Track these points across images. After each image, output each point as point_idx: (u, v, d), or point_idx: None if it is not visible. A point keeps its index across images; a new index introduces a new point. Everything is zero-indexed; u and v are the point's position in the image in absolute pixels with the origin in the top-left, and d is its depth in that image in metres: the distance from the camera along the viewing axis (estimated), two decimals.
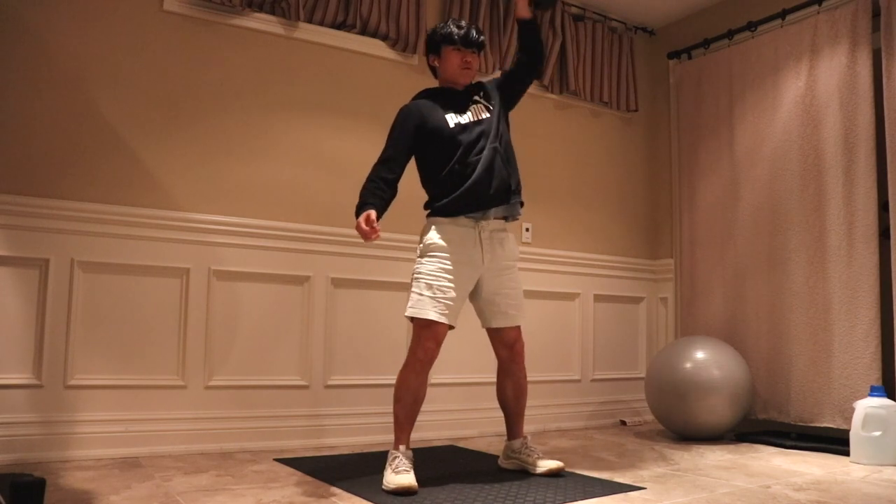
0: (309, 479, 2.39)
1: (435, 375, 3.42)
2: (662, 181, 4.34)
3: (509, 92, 2.63)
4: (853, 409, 2.91)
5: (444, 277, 2.38)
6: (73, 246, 2.72)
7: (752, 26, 3.76)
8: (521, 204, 2.56)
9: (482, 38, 2.56)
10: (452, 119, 2.48)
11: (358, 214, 2.34)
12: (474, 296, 2.53)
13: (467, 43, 2.52)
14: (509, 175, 2.50)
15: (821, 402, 3.31)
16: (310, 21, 3.27)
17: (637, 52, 4.38)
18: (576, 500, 2.12)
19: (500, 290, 2.51)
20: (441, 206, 2.44)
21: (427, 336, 2.37)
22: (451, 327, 2.41)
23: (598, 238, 4.15)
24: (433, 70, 2.63)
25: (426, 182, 2.54)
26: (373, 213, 2.30)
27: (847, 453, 2.91)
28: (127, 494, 2.10)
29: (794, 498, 2.19)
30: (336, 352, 3.22)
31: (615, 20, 4.28)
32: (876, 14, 3.28)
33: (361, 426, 3.20)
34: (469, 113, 2.51)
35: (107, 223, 2.79)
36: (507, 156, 2.51)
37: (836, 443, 3.11)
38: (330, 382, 3.19)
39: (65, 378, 2.68)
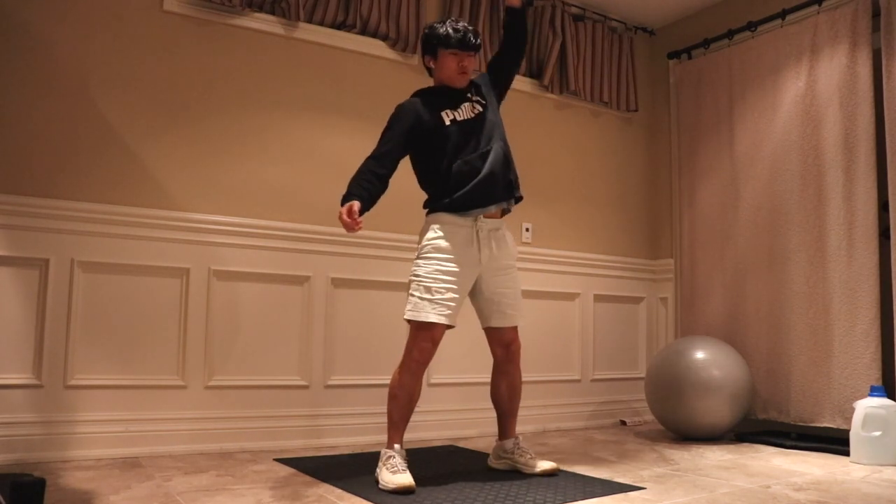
0: (309, 479, 2.39)
1: (434, 375, 3.42)
2: (662, 181, 4.34)
3: (500, 83, 2.65)
4: (853, 409, 2.91)
5: (442, 279, 2.38)
6: (73, 246, 2.72)
7: (752, 26, 3.76)
8: (520, 198, 2.58)
9: (479, 41, 2.54)
10: (448, 116, 2.47)
11: (343, 204, 2.33)
12: (474, 295, 2.53)
13: (464, 47, 2.49)
14: (510, 171, 2.52)
15: (821, 402, 3.31)
16: (310, 21, 3.27)
17: (637, 52, 4.38)
18: (576, 500, 2.12)
19: (499, 289, 2.51)
20: (447, 203, 2.43)
21: (424, 337, 2.37)
22: (450, 327, 2.41)
23: (598, 238, 4.15)
24: (428, 70, 2.62)
25: (424, 180, 2.54)
26: (356, 205, 2.29)
27: (847, 453, 2.91)
28: (127, 494, 2.10)
29: (794, 498, 2.19)
30: (336, 352, 3.22)
31: (615, 20, 4.28)
32: (876, 14, 3.28)
33: (361, 426, 3.20)
34: (464, 109, 2.51)
35: (107, 223, 2.79)
36: (506, 152, 2.52)
37: (836, 443, 3.11)
38: (330, 382, 3.19)
39: (65, 378, 2.68)
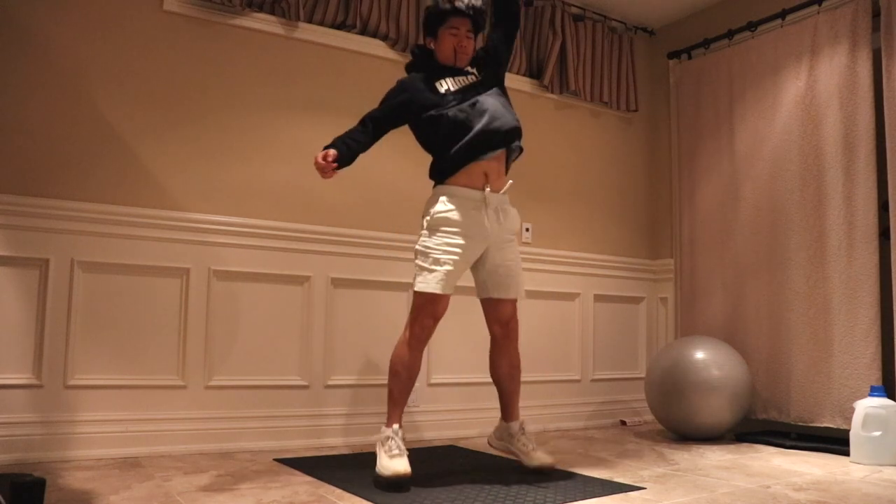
0: (309, 478, 2.39)
1: (434, 375, 3.42)
2: (662, 181, 4.34)
3: (496, 62, 2.65)
4: (853, 409, 2.91)
5: (451, 251, 2.39)
6: (73, 246, 2.72)
7: (752, 26, 3.76)
8: (521, 149, 2.58)
9: (476, 10, 2.54)
10: (443, 85, 2.51)
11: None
12: (477, 267, 2.53)
13: (458, 13, 2.51)
14: (508, 112, 2.53)
15: (821, 402, 3.31)
16: (310, 21, 3.27)
17: (637, 52, 4.38)
18: (576, 500, 2.12)
19: (503, 262, 2.51)
20: (453, 153, 2.43)
21: (427, 313, 2.39)
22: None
23: (598, 238, 4.15)
24: (429, 52, 2.63)
25: (431, 149, 2.55)
26: (332, 151, 2.34)
27: (847, 453, 2.91)
28: (127, 494, 2.10)
29: (794, 498, 2.19)
30: (336, 352, 3.22)
31: (615, 20, 4.28)
32: (876, 14, 3.28)
33: (361, 426, 3.20)
34: (460, 80, 2.54)
35: (107, 223, 2.79)
36: (505, 100, 2.56)
37: (836, 443, 3.11)
38: (330, 382, 3.19)
39: (65, 378, 2.68)
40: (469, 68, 2.60)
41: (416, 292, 2.41)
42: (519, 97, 3.84)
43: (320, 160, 2.32)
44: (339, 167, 2.36)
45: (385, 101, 2.56)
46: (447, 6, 2.53)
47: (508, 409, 2.59)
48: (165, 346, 2.88)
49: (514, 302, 2.56)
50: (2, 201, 2.61)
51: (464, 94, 2.49)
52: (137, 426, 2.77)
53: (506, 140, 2.49)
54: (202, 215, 2.98)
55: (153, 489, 2.18)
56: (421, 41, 2.82)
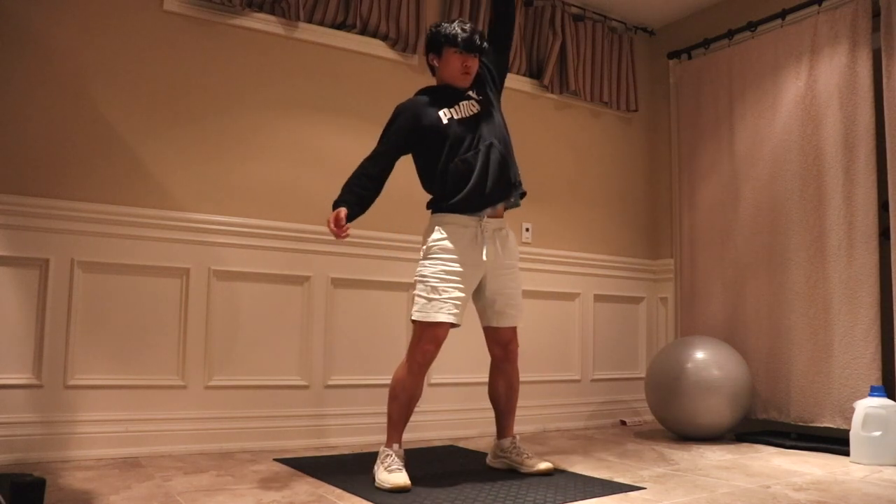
0: (309, 478, 2.39)
1: (434, 375, 3.42)
2: (662, 181, 4.34)
3: (497, 69, 2.64)
4: (853, 409, 2.91)
5: (448, 279, 2.38)
6: (73, 246, 2.72)
7: (752, 26, 3.76)
8: (523, 194, 2.58)
9: (485, 44, 2.54)
10: (445, 115, 2.47)
11: (334, 207, 2.36)
12: (477, 295, 2.54)
13: (470, 48, 2.48)
14: (509, 168, 2.50)
15: (821, 402, 3.31)
16: (310, 21, 3.27)
17: (637, 52, 4.38)
18: (576, 500, 2.12)
19: (503, 290, 2.51)
20: (447, 206, 2.43)
21: (428, 338, 2.37)
22: (455, 325, 2.41)
23: (598, 238, 4.15)
24: (431, 68, 2.61)
25: (426, 181, 2.54)
26: (343, 212, 2.33)
27: (847, 453, 2.91)
28: (127, 494, 2.10)
29: (794, 498, 2.18)
30: (336, 352, 3.22)
31: (615, 20, 4.28)
32: (876, 14, 3.28)
33: (361, 426, 3.20)
34: (462, 107, 2.50)
35: (107, 223, 2.79)
36: (505, 149, 2.51)
37: (836, 443, 3.11)
38: (330, 382, 3.19)
39: (65, 378, 2.68)
40: (471, 91, 2.55)
41: (414, 321, 2.41)
42: (519, 97, 3.85)
43: (332, 226, 2.31)
44: (352, 219, 2.36)
45: (388, 128, 2.51)
46: (456, 34, 2.47)
47: (503, 427, 2.60)
48: (165, 346, 2.88)
49: (513, 329, 2.56)
50: (2, 201, 2.61)
51: (466, 126, 2.46)
52: (137, 426, 2.77)
53: (503, 197, 2.50)
54: (202, 215, 2.98)
55: (153, 489, 2.18)
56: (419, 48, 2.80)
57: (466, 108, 2.51)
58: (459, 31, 2.48)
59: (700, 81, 4.04)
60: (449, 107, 2.49)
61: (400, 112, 2.52)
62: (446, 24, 2.52)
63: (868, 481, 2.47)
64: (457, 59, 2.49)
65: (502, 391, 2.58)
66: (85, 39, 2.82)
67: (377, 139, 2.52)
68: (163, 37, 2.97)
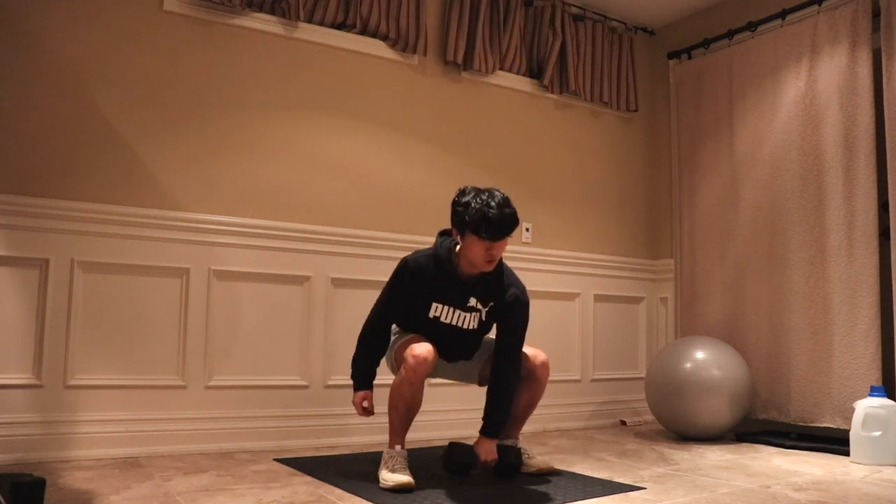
0: (309, 479, 2.39)
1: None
2: (662, 181, 4.34)
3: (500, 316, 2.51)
4: (853, 409, 2.91)
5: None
6: (73, 246, 2.72)
7: (752, 26, 3.76)
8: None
9: (514, 228, 2.27)
10: (436, 310, 2.41)
11: (355, 389, 2.47)
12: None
13: (498, 236, 2.24)
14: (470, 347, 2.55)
15: (821, 402, 3.31)
16: (310, 21, 3.27)
17: (637, 52, 4.38)
18: (576, 500, 2.12)
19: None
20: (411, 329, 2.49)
21: (405, 348, 2.37)
22: None
23: (598, 238, 4.15)
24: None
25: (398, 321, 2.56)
26: (369, 398, 2.46)
27: (847, 453, 2.91)
28: (127, 494, 2.10)
29: (794, 498, 2.18)
30: (336, 352, 3.22)
31: (615, 20, 4.28)
32: (876, 14, 3.28)
33: (361, 426, 3.20)
34: (457, 314, 2.43)
35: (107, 223, 2.79)
36: (474, 341, 2.54)
37: (836, 443, 3.11)
38: (330, 382, 3.19)
39: (65, 378, 2.68)
40: (477, 297, 2.40)
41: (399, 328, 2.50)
42: (519, 97, 3.85)
43: (362, 413, 2.45)
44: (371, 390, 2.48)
45: (390, 288, 2.44)
46: (480, 223, 2.21)
47: (511, 430, 2.61)
48: (165, 346, 2.88)
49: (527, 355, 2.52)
50: (2, 201, 2.61)
51: (448, 333, 2.43)
52: (137, 426, 2.77)
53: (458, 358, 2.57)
54: (202, 215, 2.98)
55: (153, 489, 2.18)
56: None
57: (460, 319, 2.42)
58: (484, 218, 2.21)
59: (700, 81, 4.04)
60: (445, 303, 2.40)
61: (401, 277, 2.41)
62: (471, 201, 2.25)
63: (868, 481, 2.47)
64: (480, 247, 2.27)
65: (525, 399, 2.55)
66: (85, 40, 2.82)
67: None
68: (163, 36, 2.97)
